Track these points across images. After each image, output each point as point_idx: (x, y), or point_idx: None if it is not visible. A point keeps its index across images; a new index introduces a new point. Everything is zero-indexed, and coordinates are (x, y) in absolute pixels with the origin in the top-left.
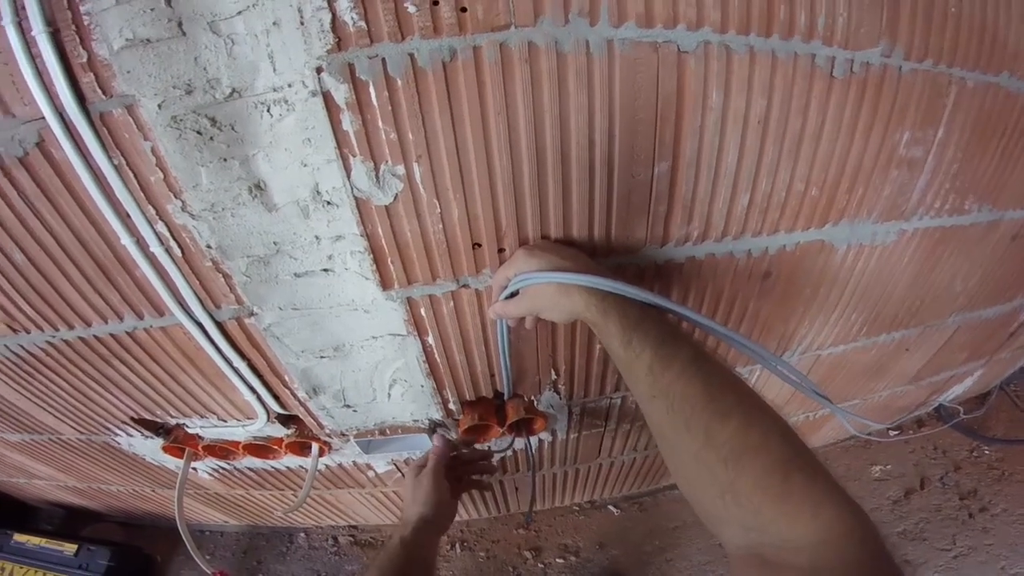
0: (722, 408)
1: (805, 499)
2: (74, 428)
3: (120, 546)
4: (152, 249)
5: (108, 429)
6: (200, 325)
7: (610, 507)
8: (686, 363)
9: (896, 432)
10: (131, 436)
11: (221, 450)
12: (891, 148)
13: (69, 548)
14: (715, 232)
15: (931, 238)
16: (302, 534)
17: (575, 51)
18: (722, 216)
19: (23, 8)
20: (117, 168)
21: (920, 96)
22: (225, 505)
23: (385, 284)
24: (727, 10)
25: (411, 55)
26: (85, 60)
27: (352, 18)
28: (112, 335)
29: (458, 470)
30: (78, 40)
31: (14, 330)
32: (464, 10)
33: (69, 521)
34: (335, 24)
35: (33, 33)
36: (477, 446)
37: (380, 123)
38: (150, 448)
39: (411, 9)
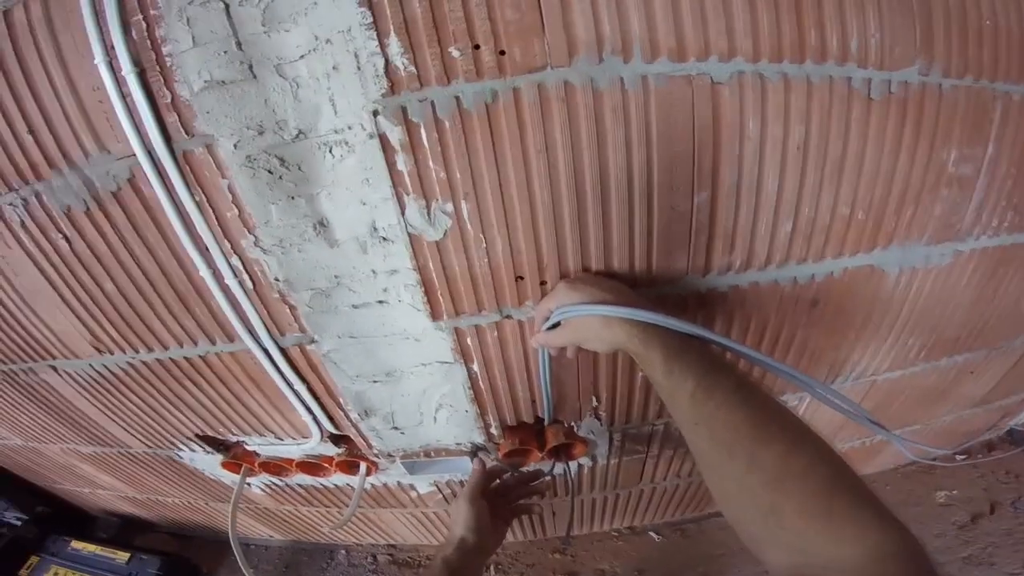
0: (765, 435)
1: (849, 521)
2: (143, 442)
3: (169, 556)
4: (227, 281)
5: (173, 444)
6: (266, 351)
7: (651, 533)
8: (729, 391)
9: (963, 457)
10: (193, 451)
11: (275, 467)
12: (939, 167)
13: (122, 556)
14: (758, 260)
15: (991, 258)
16: (343, 551)
17: (610, 88)
18: (765, 244)
19: (112, 48)
20: (198, 204)
21: (964, 113)
22: (273, 520)
23: (435, 315)
24: (758, 39)
25: (456, 97)
26: (169, 100)
27: (403, 63)
28: (186, 358)
29: (507, 495)
30: (162, 80)
31: (99, 351)
32: (503, 53)
33: (123, 530)
34: (388, 68)
35: (123, 73)
36: (524, 468)
37: (431, 163)
38: (209, 463)
39: (455, 54)
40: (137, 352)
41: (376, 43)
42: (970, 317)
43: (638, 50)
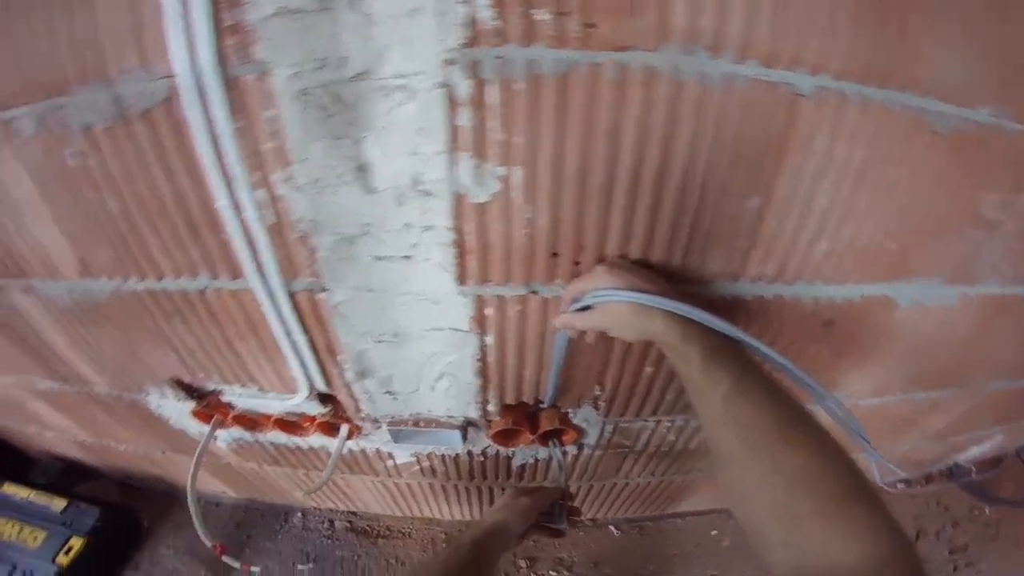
0: (792, 438)
1: (861, 526)
2: (110, 382)
3: (111, 507)
4: (246, 214)
5: (143, 387)
6: (272, 293)
7: (611, 527)
8: (763, 394)
9: (903, 485)
10: (163, 397)
11: (250, 421)
12: (976, 209)
13: (58, 504)
14: (789, 274)
15: (991, 305)
16: (299, 513)
17: (693, 81)
18: (800, 259)
19: None
20: (236, 132)
21: (1018, 158)
22: (230, 476)
23: (461, 279)
24: (852, 58)
25: (534, 61)
26: (233, 23)
27: (488, 15)
28: (182, 291)
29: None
30: (231, 3)
31: (86, 274)
32: (592, 25)
33: (64, 476)
34: (471, 18)
35: None
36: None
37: (492, 123)
38: (178, 411)
39: (542, 16)
40: (127, 279)
41: None
42: (955, 358)
43: (730, 48)
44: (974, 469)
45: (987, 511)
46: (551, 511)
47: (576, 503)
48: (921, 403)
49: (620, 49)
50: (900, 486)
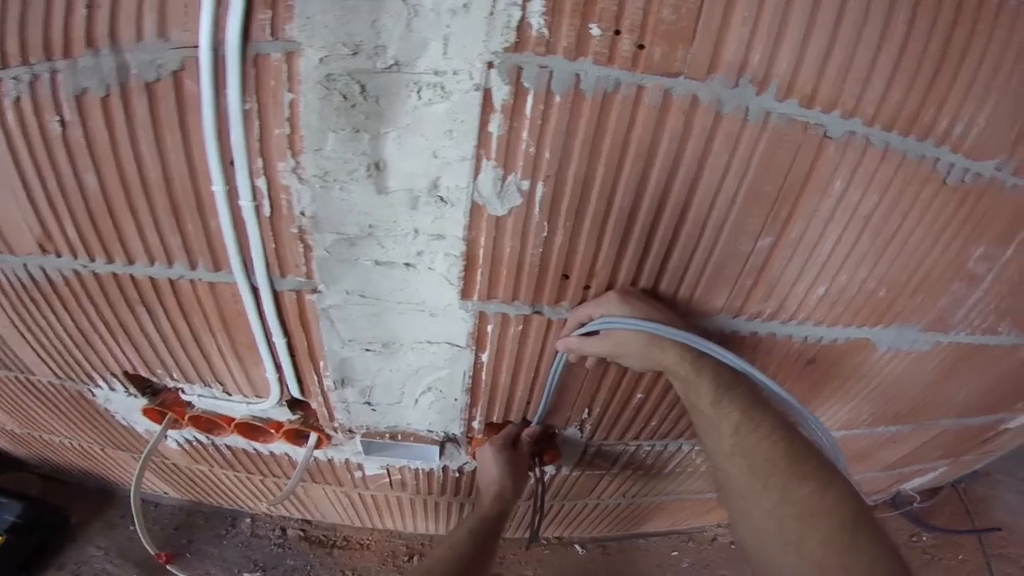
0: (801, 471)
1: (865, 555)
2: (54, 371)
3: (35, 502)
4: (241, 202)
5: (91, 379)
6: (255, 290)
7: (576, 546)
8: (772, 428)
9: None
10: (112, 391)
11: (208, 422)
12: (963, 260)
13: None
14: (785, 314)
15: (959, 353)
16: (247, 519)
17: (733, 114)
18: (797, 301)
19: None
20: (246, 113)
21: (1009, 212)
22: (174, 476)
23: (466, 293)
24: (883, 105)
25: (578, 75)
26: None
27: (539, 23)
28: (151, 278)
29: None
30: None
31: (45, 251)
32: (642, 47)
33: None
34: (521, 23)
35: None
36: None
37: (525, 133)
38: (127, 406)
39: (594, 31)
40: (92, 260)
41: None
42: (919, 398)
43: (775, 86)
44: (918, 497)
45: (924, 537)
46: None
47: (546, 522)
48: (881, 437)
49: (667, 75)
50: None
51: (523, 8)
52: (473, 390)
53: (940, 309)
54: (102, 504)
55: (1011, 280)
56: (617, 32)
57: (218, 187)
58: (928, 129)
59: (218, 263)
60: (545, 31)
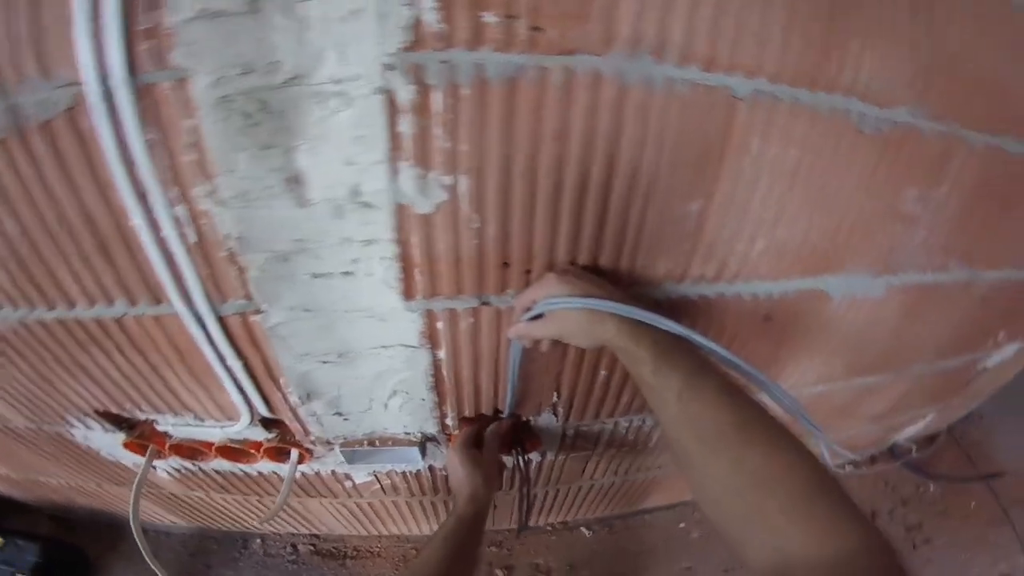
0: (749, 436)
1: (830, 522)
2: (26, 416)
3: (51, 541)
4: (164, 232)
5: (64, 419)
6: (199, 318)
7: (582, 529)
8: (715, 392)
9: (851, 467)
10: (89, 429)
11: (189, 450)
12: (897, 204)
13: None
14: (729, 274)
15: (914, 293)
16: (258, 540)
17: (638, 85)
18: (738, 259)
19: None
20: (149, 144)
21: (933, 155)
22: (177, 505)
23: (408, 294)
24: (784, 62)
25: (480, 65)
26: (149, 27)
27: (433, 18)
28: (96, 320)
29: (494, 442)
30: (148, 5)
31: None
32: (538, 29)
33: None
34: (415, 22)
35: None
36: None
37: (437, 130)
38: (108, 443)
39: (489, 19)
40: (34, 308)
41: None
42: (886, 344)
43: (673, 53)
44: (914, 447)
45: (931, 488)
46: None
47: (544, 508)
48: (860, 389)
49: (567, 53)
50: (848, 468)
51: (414, 6)
52: (438, 388)
53: (884, 252)
54: (115, 539)
55: (951, 218)
56: (512, 17)
57: (138, 220)
58: (833, 82)
59: (157, 296)
60: (441, 26)
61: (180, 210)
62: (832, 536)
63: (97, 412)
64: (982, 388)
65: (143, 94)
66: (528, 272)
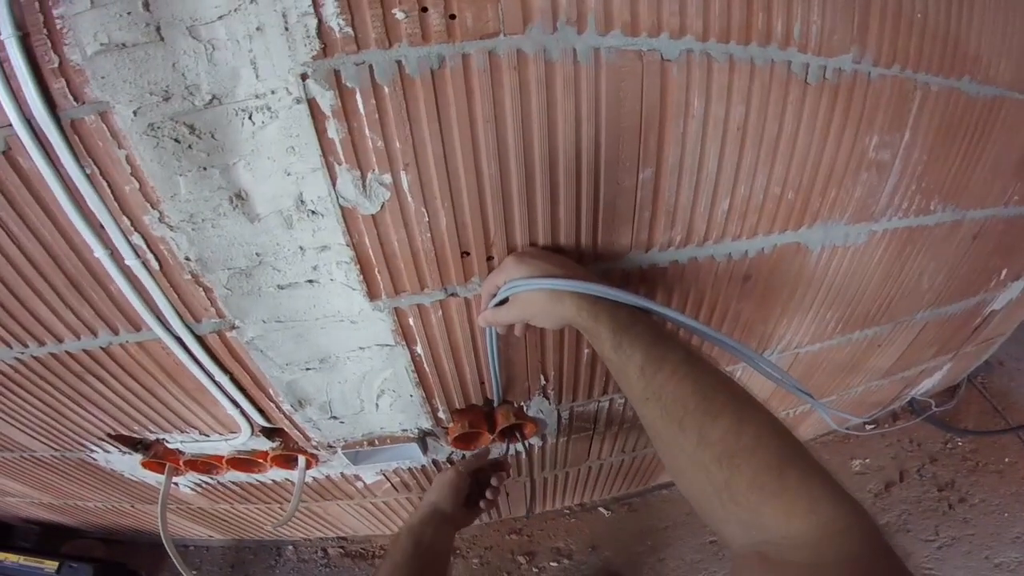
0: (714, 408)
1: (801, 495)
2: (47, 445)
3: (103, 562)
4: (127, 262)
5: (83, 446)
6: (179, 340)
7: (600, 509)
8: (677, 364)
9: (872, 426)
10: (108, 452)
11: (204, 465)
12: (861, 151)
13: (50, 565)
14: (697, 237)
15: (899, 238)
16: (290, 547)
17: (563, 59)
18: (703, 221)
19: None
20: (89, 177)
21: (888, 101)
22: (209, 519)
23: (372, 294)
24: (708, 19)
25: (399, 62)
26: (56, 65)
27: (338, 24)
28: (86, 351)
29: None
30: (49, 45)
31: None
32: (453, 17)
33: (46, 538)
34: (321, 30)
35: (1, 38)
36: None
37: (367, 131)
38: (128, 464)
39: (399, 16)
40: (26, 347)
41: (309, 2)
42: (879, 293)
43: (592, 21)
44: (933, 402)
45: (959, 443)
46: (485, 475)
47: (557, 491)
48: (860, 343)
49: (486, 37)
50: (869, 428)
51: (317, 14)
52: (423, 383)
53: (858, 200)
54: (160, 556)
55: (922, 160)
56: (424, 9)
57: (100, 252)
58: (766, 35)
59: (135, 324)
60: (348, 30)
61: (136, 239)
62: (807, 510)
63: (110, 436)
64: (996, 332)
65: (74, 129)
66: (490, 259)
